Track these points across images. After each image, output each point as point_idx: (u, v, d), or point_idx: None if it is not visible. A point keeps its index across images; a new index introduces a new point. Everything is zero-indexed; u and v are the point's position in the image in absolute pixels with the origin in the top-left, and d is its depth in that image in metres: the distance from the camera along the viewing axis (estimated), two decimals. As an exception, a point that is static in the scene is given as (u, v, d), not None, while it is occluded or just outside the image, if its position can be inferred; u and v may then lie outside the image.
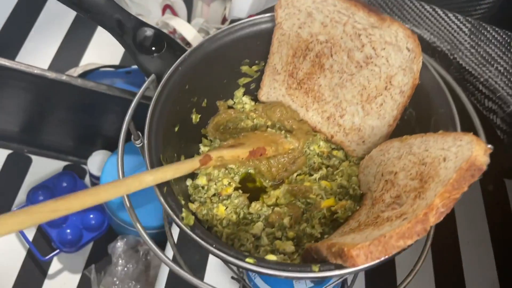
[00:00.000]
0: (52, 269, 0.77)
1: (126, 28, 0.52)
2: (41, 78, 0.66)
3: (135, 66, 0.71)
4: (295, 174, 0.56)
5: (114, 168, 0.75)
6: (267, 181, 0.56)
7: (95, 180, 0.83)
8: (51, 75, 0.66)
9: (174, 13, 0.96)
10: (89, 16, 0.53)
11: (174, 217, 0.40)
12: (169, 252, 0.65)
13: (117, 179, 0.37)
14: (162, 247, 0.76)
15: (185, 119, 0.54)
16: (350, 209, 0.50)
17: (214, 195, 0.54)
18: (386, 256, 0.34)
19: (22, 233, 0.78)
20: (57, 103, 0.74)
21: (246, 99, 0.59)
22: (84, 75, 0.87)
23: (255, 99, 0.60)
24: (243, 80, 0.58)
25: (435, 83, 0.46)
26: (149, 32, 0.52)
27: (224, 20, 0.93)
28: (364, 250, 0.34)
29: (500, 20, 0.53)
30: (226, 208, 0.52)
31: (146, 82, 0.49)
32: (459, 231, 0.64)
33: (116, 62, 0.99)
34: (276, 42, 0.53)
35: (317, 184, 0.53)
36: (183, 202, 0.45)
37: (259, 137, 0.54)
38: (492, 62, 0.47)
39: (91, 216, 0.79)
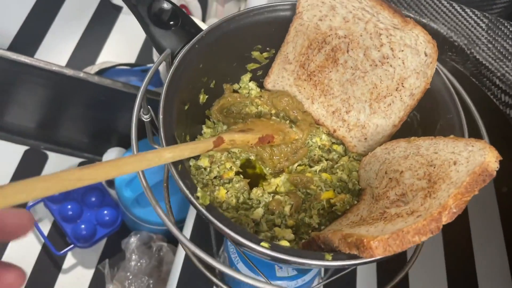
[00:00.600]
0: (66, 264, 0.79)
1: (141, -2, 0.51)
2: (59, 75, 0.69)
3: (150, 65, 0.71)
4: (295, 165, 0.56)
5: None
6: (267, 168, 0.56)
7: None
8: (69, 72, 0.69)
9: (189, 13, 0.97)
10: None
11: (190, 196, 0.40)
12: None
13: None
14: (175, 244, 0.77)
15: (194, 98, 0.53)
16: (349, 203, 0.52)
17: (215, 177, 0.54)
18: (401, 250, 0.36)
19: (38, 228, 0.79)
20: (74, 99, 0.76)
21: (252, 85, 0.59)
22: (101, 73, 0.90)
23: (261, 85, 0.60)
24: (251, 66, 0.58)
25: (445, 89, 0.49)
26: (166, 5, 0.50)
27: None
28: (383, 242, 0.35)
29: None
30: (227, 191, 0.52)
31: (161, 56, 0.48)
32: (472, 233, 0.66)
33: (132, 60, 1.01)
34: (293, 31, 0.53)
35: (318, 176, 0.55)
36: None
37: (266, 124, 0.55)
38: (509, 57, 0.49)
39: (105, 212, 0.81)
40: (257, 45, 0.56)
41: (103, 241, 0.82)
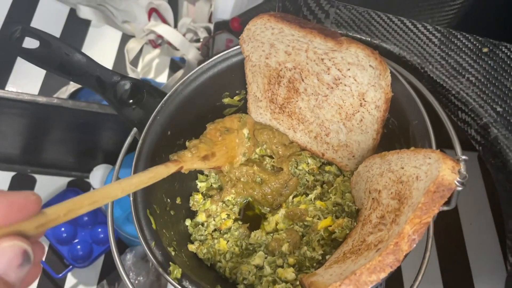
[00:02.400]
0: (67, 285, 0.80)
1: (106, 85, 0.56)
2: (33, 104, 0.69)
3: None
4: (291, 197, 0.58)
5: None
6: (265, 207, 0.58)
7: None
8: (42, 99, 0.69)
9: (160, 15, 0.98)
10: (71, 78, 0.57)
11: (162, 271, 0.44)
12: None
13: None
14: None
15: (175, 162, 0.57)
16: (347, 227, 0.52)
17: (214, 230, 0.57)
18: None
19: None
20: (52, 124, 0.77)
21: None
22: (76, 92, 0.90)
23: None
24: (228, 111, 0.60)
25: (407, 94, 0.47)
26: (127, 84, 0.55)
27: (211, 18, 0.94)
28: (335, 292, 0.35)
29: (470, 25, 0.52)
30: (228, 241, 0.55)
31: (129, 136, 0.53)
32: (461, 215, 0.63)
33: None
34: (250, 73, 0.55)
35: (313, 205, 0.55)
36: (173, 253, 0.48)
37: (228, 146, 0.58)
38: (463, 73, 0.47)
39: (99, 230, 0.82)
40: (224, 92, 0.58)
41: (101, 259, 0.82)
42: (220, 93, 0.58)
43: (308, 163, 0.58)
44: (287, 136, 0.60)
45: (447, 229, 0.66)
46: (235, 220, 0.57)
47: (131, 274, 0.71)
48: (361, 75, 0.47)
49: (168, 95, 0.54)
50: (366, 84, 0.47)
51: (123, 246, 0.79)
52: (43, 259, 0.82)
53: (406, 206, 0.39)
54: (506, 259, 0.41)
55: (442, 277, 0.65)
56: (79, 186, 0.89)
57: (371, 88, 0.47)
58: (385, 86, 0.46)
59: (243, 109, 0.61)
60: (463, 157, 0.40)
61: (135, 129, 0.54)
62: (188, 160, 0.50)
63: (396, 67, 0.49)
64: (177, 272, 0.45)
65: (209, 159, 0.54)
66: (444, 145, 0.45)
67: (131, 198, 0.48)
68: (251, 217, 0.59)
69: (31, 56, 0.56)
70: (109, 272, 0.80)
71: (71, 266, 0.78)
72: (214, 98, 0.58)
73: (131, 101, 0.54)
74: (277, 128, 0.60)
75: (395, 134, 0.51)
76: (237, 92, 0.59)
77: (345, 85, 0.48)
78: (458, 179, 0.38)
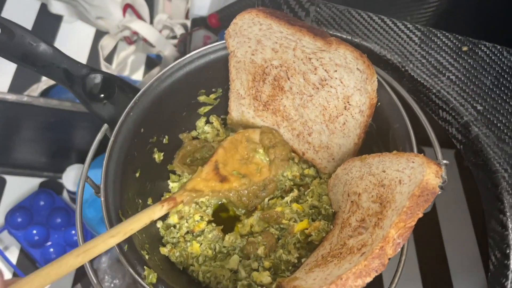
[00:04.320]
0: None
1: (74, 78, 0.54)
2: (1, 102, 0.68)
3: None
4: (266, 199, 0.58)
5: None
6: (239, 209, 0.58)
7: (72, 195, 0.85)
8: (12, 97, 0.68)
9: (136, 12, 0.97)
10: (35, 69, 0.55)
11: (137, 277, 0.43)
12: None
13: (84, 245, 0.41)
14: None
15: (147, 161, 0.56)
16: (324, 230, 0.53)
17: (187, 232, 0.57)
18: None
19: (4, 257, 0.81)
20: (24, 123, 0.76)
21: (207, 128, 0.61)
22: (48, 90, 0.89)
23: (225, 123, 0.62)
24: (203, 110, 0.60)
25: (388, 98, 0.49)
26: (97, 78, 0.54)
27: (188, 15, 0.94)
28: (320, 298, 0.36)
29: (449, 23, 0.55)
30: (201, 244, 0.55)
31: (99, 133, 0.51)
32: (439, 215, 0.66)
33: None
34: (234, 70, 0.55)
35: (289, 208, 0.56)
36: (147, 257, 0.48)
37: (234, 157, 0.59)
38: (443, 71, 0.49)
39: (73, 232, 0.82)
40: (200, 90, 0.58)
41: None
42: (196, 90, 0.58)
43: (292, 170, 0.59)
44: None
45: (425, 228, 0.69)
46: (209, 222, 0.57)
47: (106, 277, 0.71)
48: (347, 78, 0.48)
49: (142, 90, 0.53)
50: (352, 87, 0.49)
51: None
52: (14, 262, 0.81)
53: (390, 209, 0.41)
54: (489, 258, 0.43)
55: (421, 275, 0.67)
56: (52, 187, 0.88)
57: (356, 92, 0.49)
58: (371, 91, 0.48)
59: (218, 107, 0.61)
60: (444, 161, 0.42)
61: (105, 126, 0.53)
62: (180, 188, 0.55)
63: (379, 71, 0.50)
64: (152, 276, 0.45)
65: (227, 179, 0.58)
66: (422, 142, 0.47)
67: (102, 199, 0.47)
68: (225, 218, 0.59)
69: (-8, 43, 0.54)
70: (83, 275, 0.79)
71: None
72: (189, 95, 0.58)
73: (102, 95, 0.53)
74: (262, 125, 0.60)
75: (373, 137, 0.53)
76: (213, 90, 0.59)
77: (331, 86, 0.50)
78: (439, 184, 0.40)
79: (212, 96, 0.59)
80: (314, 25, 0.51)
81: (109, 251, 0.72)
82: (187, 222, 0.57)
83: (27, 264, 0.80)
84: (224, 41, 0.54)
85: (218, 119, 0.62)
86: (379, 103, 0.49)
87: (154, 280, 0.44)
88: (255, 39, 0.51)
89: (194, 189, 0.55)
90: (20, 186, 0.88)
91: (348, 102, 0.50)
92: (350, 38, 0.52)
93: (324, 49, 0.47)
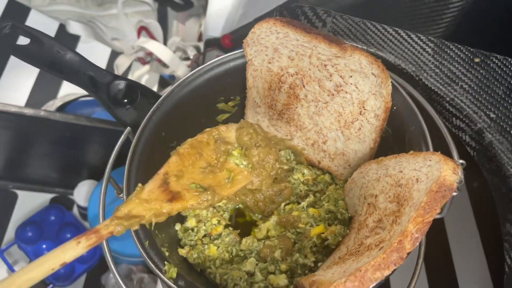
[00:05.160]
0: None
1: (99, 84, 0.57)
2: (19, 116, 0.70)
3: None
4: (283, 204, 0.59)
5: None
6: (256, 214, 0.59)
7: (83, 211, 0.86)
8: (29, 112, 0.70)
9: (150, 34, 1.02)
10: (62, 76, 0.58)
11: (157, 271, 0.44)
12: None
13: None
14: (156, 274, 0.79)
15: (167, 164, 0.57)
16: (340, 234, 0.53)
17: (204, 235, 0.57)
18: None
19: (13, 271, 0.81)
20: (38, 137, 0.78)
21: None
22: (63, 106, 0.92)
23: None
24: (221, 117, 0.62)
25: (404, 102, 0.50)
26: (121, 84, 0.56)
27: (200, 37, 0.98)
28: (340, 287, 0.36)
29: (462, 36, 0.57)
30: (218, 247, 0.56)
31: (122, 135, 0.53)
32: (448, 231, 0.67)
33: None
34: (251, 78, 0.57)
35: (305, 213, 0.57)
36: (167, 254, 0.48)
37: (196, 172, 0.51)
38: (456, 81, 0.51)
39: None
40: (219, 97, 0.60)
41: (83, 277, 0.82)
42: (216, 97, 0.60)
43: (304, 173, 0.60)
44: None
45: (433, 239, 0.69)
46: (226, 226, 0.58)
47: None
48: (363, 83, 0.49)
49: (165, 95, 0.55)
50: (367, 92, 0.50)
51: (107, 264, 0.80)
52: None
53: (407, 207, 0.41)
54: (504, 260, 0.44)
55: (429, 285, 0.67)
56: (62, 203, 0.89)
57: (371, 96, 0.50)
58: (385, 94, 0.49)
59: (236, 115, 0.63)
60: (461, 161, 0.43)
61: (128, 128, 0.55)
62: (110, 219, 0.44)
63: (394, 77, 0.52)
64: (172, 271, 0.45)
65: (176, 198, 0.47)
66: (437, 148, 0.48)
67: (124, 196, 0.48)
68: (241, 223, 0.60)
69: (22, 53, 0.57)
70: None
71: (51, 285, 0.78)
72: (209, 101, 0.60)
73: (125, 100, 0.55)
74: (275, 135, 0.61)
75: (389, 142, 0.54)
76: (231, 97, 0.61)
77: (346, 92, 0.51)
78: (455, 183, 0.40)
79: (231, 103, 0.61)
80: (330, 34, 0.53)
81: (118, 267, 0.73)
82: (204, 225, 0.57)
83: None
84: (242, 50, 0.56)
85: None
86: (394, 107, 0.51)
87: (174, 275, 0.45)
88: (272, 47, 0.53)
89: (129, 215, 0.44)
90: (31, 201, 0.89)
91: (363, 107, 0.51)
92: (365, 48, 0.54)
93: (339, 56, 0.49)
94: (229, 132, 0.53)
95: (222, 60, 0.57)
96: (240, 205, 0.60)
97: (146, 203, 0.45)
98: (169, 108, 0.55)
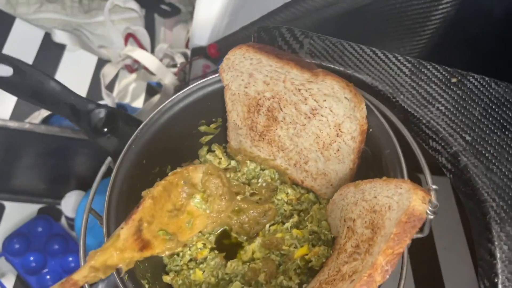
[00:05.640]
0: None
1: (80, 113, 0.57)
2: (4, 129, 0.70)
3: (100, 102, 0.77)
4: (267, 225, 0.59)
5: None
6: (241, 236, 0.59)
7: (71, 222, 0.86)
8: (14, 124, 0.70)
9: (137, 41, 1.01)
10: (44, 106, 0.58)
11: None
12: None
13: None
14: None
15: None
16: (324, 255, 0.53)
17: (190, 260, 0.58)
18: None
19: (0, 284, 0.82)
20: (25, 149, 0.77)
21: (210, 156, 0.63)
22: (49, 117, 0.91)
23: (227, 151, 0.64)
24: (204, 139, 0.62)
25: (379, 124, 0.50)
26: (102, 113, 0.57)
27: (188, 44, 0.98)
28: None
29: (440, 55, 0.56)
30: (203, 272, 0.56)
31: (103, 166, 0.54)
32: (435, 238, 0.66)
33: None
34: (230, 102, 0.57)
35: (289, 234, 0.57)
36: (146, 286, 0.49)
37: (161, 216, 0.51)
38: (433, 102, 0.50)
39: (70, 259, 0.82)
40: (200, 120, 0.60)
41: None
42: (197, 121, 0.60)
43: (287, 193, 0.60)
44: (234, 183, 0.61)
45: (422, 254, 0.68)
46: (211, 249, 0.58)
47: None
48: (336, 107, 0.49)
49: (143, 123, 0.55)
50: (342, 115, 0.50)
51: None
52: None
53: (379, 236, 0.41)
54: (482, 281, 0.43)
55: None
56: (50, 213, 0.89)
57: (346, 119, 0.50)
58: (360, 118, 0.49)
59: (219, 136, 0.63)
60: (434, 186, 0.42)
61: (109, 158, 0.55)
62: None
63: (370, 98, 0.52)
64: None
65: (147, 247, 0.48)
66: (417, 169, 0.48)
67: (104, 228, 0.49)
68: (227, 245, 0.60)
69: (4, 84, 0.57)
70: None
71: None
72: (190, 126, 0.60)
73: (105, 129, 0.56)
74: (258, 155, 0.62)
75: (369, 162, 0.53)
76: (213, 120, 0.61)
77: (321, 115, 0.51)
78: (430, 208, 0.40)
79: (213, 125, 0.61)
80: (302, 58, 0.53)
81: (106, 279, 0.73)
82: (189, 249, 0.58)
83: (23, 292, 0.80)
84: (218, 75, 0.56)
85: (220, 147, 0.64)
86: (370, 129, 0.50)
87: None
88: (247, 72, 0.53)
89: (104, 266, 0.45)
90: (19, 212, 0.89)
91: (339, 129, 0.51)
92: (342, 69, 0.53)
93: (311, 80, 0.49)
94: (196, 173, 0.53)
95: (200, 85, 0.57)
96: (226, 227, 0.60)
97: (121, 253, 0.46)
98: (149, 136, 0.55)
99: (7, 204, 0.90)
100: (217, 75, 0.57)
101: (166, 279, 0.55)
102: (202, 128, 0.61)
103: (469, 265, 0.66)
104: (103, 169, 0.54)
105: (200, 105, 0.58)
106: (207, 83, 0.57)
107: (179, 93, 0.56)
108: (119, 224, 0.50)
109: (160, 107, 0.56)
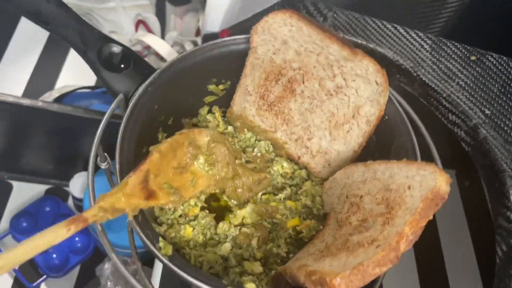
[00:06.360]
0: None
1: (89, 42, 0.53)
2: (16, 106, 0.68)
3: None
4: (259, 194, 0.60)
5: (96, 190, 0.77)
6: (232, 200, 0.59)
7: (78, 202, 0.85)
8: (26, 102, 0.69)
9: (148, 28, 0.99)
10: (49, 28, 0.53)
11: (152, 247, 0.42)
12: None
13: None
14: (150, 266, 0.78)
15: (152, 138, 0.55)
16: (314, 229, 0.55)
17: (180, 215, 0.56)
18: (363, 284, 0.39)
19: None
20: (35, 128, 0.77)
21: (210, 117, 0.62)
22: (61, 98, 0.91)
23: (225, 116, 0.63)
24: (208, 99, 0.61)
25: (396, 112, 0.53)
26: (116, 48, 0.53)
27: (198, 33, 0.97)
28: (345, 279, 0.38)
29: (459, 34, 0.60)
30: (194, 229, 0.55)
31: (114, 102, 0.50)
32: (439, 227, 0.71)
33: (92, 82, 1.03)
34: (250, 65, 0.57)
35: (283, 204, 0.58)
36: (157, 229, 0.47)
37: (166, 164, 0.51)
38: (453, 77, 0.53)
39: (77, 239, 0.82)
40: (212, 78, 0.59)
41: (77, 269, 0.83)
42: (209, 78, 0.59)
43: (283, 166, 0.61)
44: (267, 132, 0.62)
45: (426, 246, 0.72)
46: (202, 208, 0.57)
47: (109, 283, 0.71)
48: (364, 88, 0.51)
49: (163, 67, 0.53)
50: (365, 98, 0.52)
51: (102, 255, 0.80)
52: (17, 268, 0.80)
53: (400, 210, 0.44)
54: (495, 253, 0.47)
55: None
56: (58, 194, 0.89)
57: (368, 102, 0.52)
58: (382, 103, 0.52)
59: (222, 99, 0.62)
60: (447, 175, 0.46)
61: (121, 96, 0.51)
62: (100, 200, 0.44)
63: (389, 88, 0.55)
64: (168, 248, 0.44)
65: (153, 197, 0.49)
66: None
67: (117, 164, 0.46)
68: (215, 208, 0.59)
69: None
70: (85, 282, 0.80)
71: (45, 276, 0.77)
72: (202, 81, 0.59)
73: (122, 65, 0.52)
74: (258, 125, 0.61)
75: (370, 148, 0.56)
76: (223, 81, 0.60)
77: (345, 94, 0.53)
78: (443, 194, 0.44)
79: (221, 86, 0.60)
80: (342, 36, 0.54)
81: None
82: (182, 205, 0.56)
83: (29, 269, 0.80)
84: (248, 36, 0.55)
85: (220, 111, 0.63)
86: (386, 117, 0.53)
87: (170, 252, 0.44)
88: (281, 39, 0.53)
89: (112, 208, 0.45)
90: (26, 192, 0.89)
91: (358, 111, 0.54)
92: (365, 43, 0.55)
93: (349, 59, 0.51)
94: (202, 136, 0.54)
95: (224, 42, 0.56)
96: (217, 190, 0.59)
97: (128, 198, 0.46)
98: (166, 81, 0.53)
99: (15, 184, 0.90)
100: (243, 36, 0.56)
101: (160, 230, 0.53)
102: (211, 87, 0.60)
103: (473, 262, 0.71)
104: (113, 105, 0.50)
105: (217, 62, 0.57)
106: (231, 42, 0.56)
107: (204, 45, 0.55)
108: (130, 164, 0.48)
109: (181, 55, 0.54)
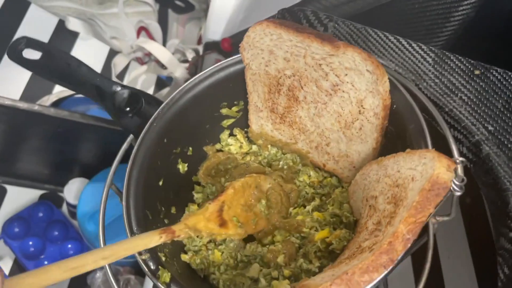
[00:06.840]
0: None
1: (105, 94, 0.58)
2: (13, 109, 0.69)
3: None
4: (290, 209, 0.58)
5: (90, 197, 0.76)
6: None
7: (72, 209, 0.85)
8: (23, 105, 0.69)
9: (149, 35, 1.01)
10: (71, 87, 0.59)
11: (150, 275, 0.44)
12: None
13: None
14: (142, 276, 0.75)
15: (171, 171, 0.57)
16: (345, 238, 0.51)
17: (209, 241, 0.57)
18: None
19: None
20: (31, 132, 0.76)
21: (231, 140, 0.62)
22: (58, 102, 0.91)
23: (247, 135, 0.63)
24: (226, 122, 0.62)
25: (403, 100, 0.48)
26: (125, 93, 0.57)
27: (199, 41, 0.97)
28: (326, 292, 0.35)
29: (462, 48, 0.55)
30: (222, 253, 0.55)
31: (125, 143, 0.54)
32: (439, 246, 0.64)
33: None
34: (250, 82, 0.57)
35: (310, 216, 0.55)
36: (163, 259, 0.48)
37: (238, 189, 0.55)
38: (456, 92, 0.49)
39: (69, 246, 0.81)
40: (222, 102, 0.59)
41: None
42: (218, 103, 0.59)
43: (309, 175, 0.59)
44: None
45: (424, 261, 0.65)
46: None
47: None
48: (358, 81, 0.48)
49: (165, 102, 0.55)
50: (364, 90, 0.48)
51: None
52: (7, 273, 0.81)
53: (401, 207, 0.39)
54: (497, 275, 0.42)
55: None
56: (52, 200, 0.88)
57: (369, 94, 0.48)
58: (383, 92, 0.47)
59: (241, 120, 0.62)
60: (460, 158, 0.40)
61: (131, 136, 0.55)
62: (185, 219, 0.49)
63: (394, 74, 0.50)
64: (166, 276, 0.45)
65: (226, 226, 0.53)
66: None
67: (124, 202, 0.49)
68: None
69: (34, 66, 0.59)
70: None
71: None
72: (212, 107, 0.59)
73: (127, 109, 0.56)
74: (279, 139, 0.60)
75: (394, 142, 0.51)
76: (235, 102, 0.60)
77: (343, 91, 0.50)
78: (455, 181, 0.38)
79: (234, 108, 0.61)
80: (322, 32, 0.52)
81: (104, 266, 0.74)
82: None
83: (20, 276, 0.82)
84: (239, 55, 0.55)
85: (242, 131, 0.63)
86: (394, 106, 0.48)
87: (168, 280, 0.45)
88: (267, 50, 0.52)
89: (194, 227, 0.50)
90: (20, 196, 0.88)
91: (362, 105, 0.50)
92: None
93: (332, 54, 0.47)
94: (266, 182, 0.58)
95: (221, 65, 0.56)
96: None
97: (206, 222, 0.51)
98: (170, 115, 0.55)
99: (9, 188, 0.89)
100: (237, 56, 0.56)
101: (185, 257, 0.54)
102: (224, 111, 0.60)
103: (474, 284, 0.63)
104: (125, 146, 0.54)
105: (221, 86, 0.57)
106: (228, 63, 0.57)
107: (200, 73, 0.56)
108: (139, 200, 0.50)
109: (181, 87, 0.56)
